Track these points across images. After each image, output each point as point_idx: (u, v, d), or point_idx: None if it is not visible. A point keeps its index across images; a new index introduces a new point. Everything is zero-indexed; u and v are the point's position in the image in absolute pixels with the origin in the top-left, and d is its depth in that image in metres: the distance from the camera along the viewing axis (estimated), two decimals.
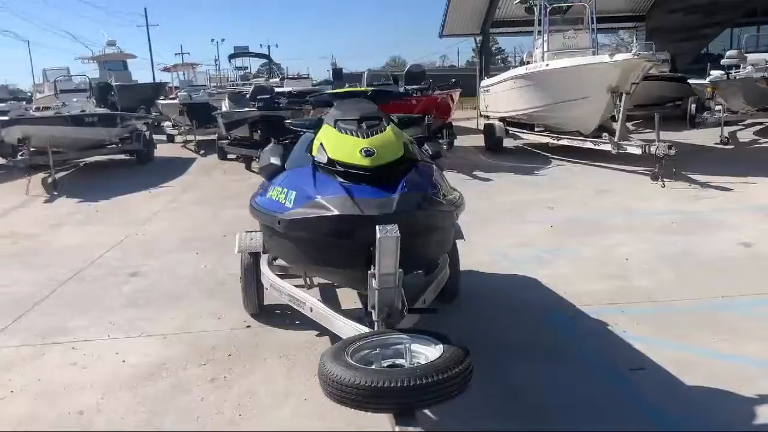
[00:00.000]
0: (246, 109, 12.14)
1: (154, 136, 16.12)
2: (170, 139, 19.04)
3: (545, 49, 12.36)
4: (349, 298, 4.42)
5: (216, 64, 35.76)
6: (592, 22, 12.50)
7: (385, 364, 2.19)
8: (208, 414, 3.03)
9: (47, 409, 3.14)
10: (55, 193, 10.22)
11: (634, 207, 7.54)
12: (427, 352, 2.21)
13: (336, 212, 2.48)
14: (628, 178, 9.65)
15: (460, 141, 15.32)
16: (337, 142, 2.83)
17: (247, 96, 13.18)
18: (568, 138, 11.68)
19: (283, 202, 2.81)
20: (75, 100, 12.73)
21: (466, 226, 6.70)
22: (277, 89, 19.20)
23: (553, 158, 12.08)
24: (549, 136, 12.48)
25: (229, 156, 13.65)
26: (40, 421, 3.02)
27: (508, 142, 13.88)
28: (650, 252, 5.57)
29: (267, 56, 32.28)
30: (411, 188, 2.57)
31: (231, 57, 28.90)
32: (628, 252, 5.60)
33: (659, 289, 4.62)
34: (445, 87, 13.21)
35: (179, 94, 18.38)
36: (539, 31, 12.97)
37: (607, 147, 10.28)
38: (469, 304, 4.45)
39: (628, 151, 9.97)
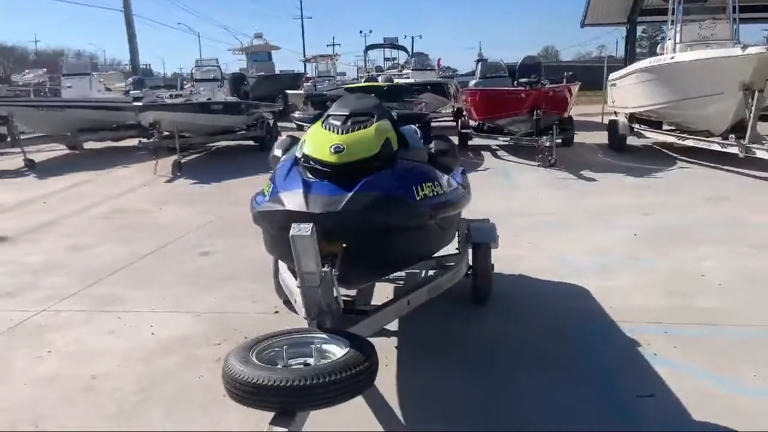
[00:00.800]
0: None
1: (286, 125, 17.04)
2: (299, 127, 20.03)
3: (677, 40, 11.41)
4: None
5: (364, 56, 36.86)
6: (734, 11, 11.30)
7: (294, 363, 2.20)
8: (198, 392, 3.22)
9: (69, 370, 3.51)
10: (179, 174, 11.17)
11: (745, 219, 6.78)
12: (337, 354, 2.19)
13: (285, 208, 2.53)
14: (753, 185, 8.68)
15: (584, 138, 14.64)
16: (315, 138, 2.86)
17: None
18: (693, 138, 10.72)
19: (264, 194, 2.91)
20: (202, 89, 13.77)
21: (540, 229, 6.54)
22: (398, 80, 19.47)
23: (680, 159, 11.17)
24: (673, 135, 11.53)
25: None
26: (57, 381, 3.39)
27: (634, 141, 13.00)
28: (734, 270, 5.00)
29: (403, 48, 32.64)
30: (369, 187, 2.53)
31: (367, 49, 29.61)
32: (709, 267, 5.07)
33: (722, 311, 4.15)
34: (562, 80, 12.64)
35: (305, 85, 19.21)
36: (672, 21, 11.97)
37: (735, 150, 9.32)
38: (503, 307, 4.30)
39: (757, 156, 8.98)
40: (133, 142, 14.21)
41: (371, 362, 2.11)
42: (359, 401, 3.03)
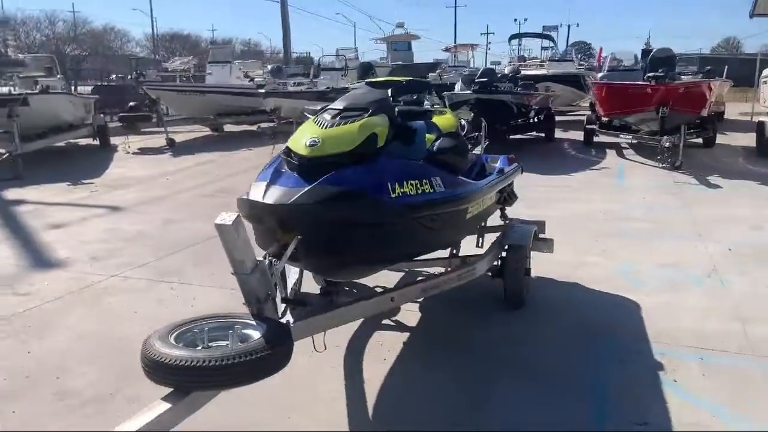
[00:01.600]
0: (466, 91, 12.31)
1: None
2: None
3: None
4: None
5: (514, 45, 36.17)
6: None
7: (214, 345, 2.29)
8: None
9: (105, 331, 3.93)
10: None
11: None
12: (253, 338, 2.26)
13: (247, 197, 2.65)
14: None
15: (733, 139, 13.42)
16: (301, 131, 2.94)
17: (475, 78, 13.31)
18: None
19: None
20: (321, 77, 14.36)
21: (625, 237, 6.13)
22: (532, 72, 18.90)
23: None
24: None
25: None
26: (90, 338, 3.81)
27: None
28: None
29: (549, 36, 31.58)
30: (331, 182, 2.57)
31: (511, 38, 29.05)
32: None
33: None
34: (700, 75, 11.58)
35: (430, 75, 19.23)
36: None
37: None
38: (535, 315, 4.14)
39: None
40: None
41: (273, 351, 2.16)
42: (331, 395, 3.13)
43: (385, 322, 4.04)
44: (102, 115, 14.02)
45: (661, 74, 10.46)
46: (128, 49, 59.56)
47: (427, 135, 3.55)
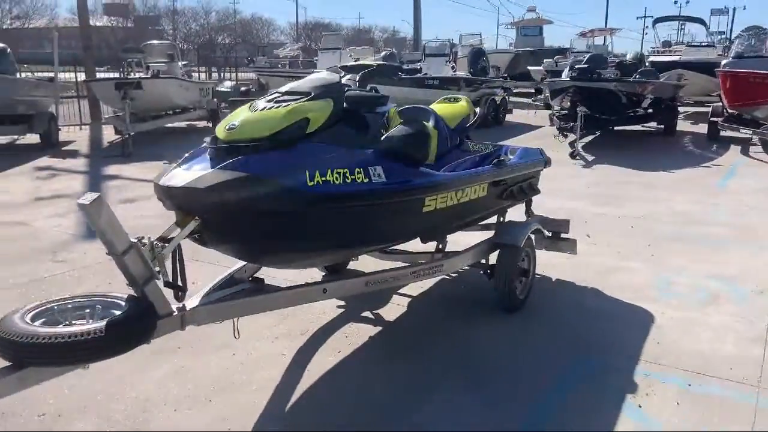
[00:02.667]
0: (565, 78, 11.68)
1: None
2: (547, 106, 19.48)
3: None
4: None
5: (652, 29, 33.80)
6: None
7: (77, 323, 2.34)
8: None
9: None
10: None
11: None
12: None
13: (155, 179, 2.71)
14: None
15: None
16: (231, 115, 2.94)
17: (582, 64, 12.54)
18: None
19: None
20: (424, 63, 14.25)
21: (688, 243, 5.58)
22: (663, 59, 17.52)
23: None
24: None
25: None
26: None
27: None
28: None
29: (700, 20, 29.08)
30: (234, 166, 2.54)
31: (656, 22, 27.10)
32: None
33: None
34: None
35: (545, 61, 18.45)
36: None
37: None
38: (526, 321, 3.88)
39: None
40: None
41: (107, 333, 2.18)
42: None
43: (366, 314, 3.98)
44: (215, 99, 14.93)
45: None
46: (274, 37, 62.93)
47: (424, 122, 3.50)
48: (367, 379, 3.20)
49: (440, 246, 4.02)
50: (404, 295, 4.29)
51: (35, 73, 16.74)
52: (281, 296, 3.03)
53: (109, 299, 2.44)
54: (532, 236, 4.19)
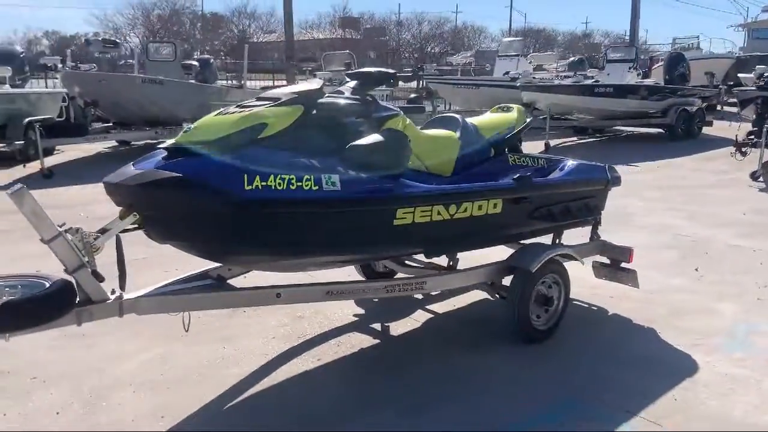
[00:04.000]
0: (751, 87, 10.13)
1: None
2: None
3: None
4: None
5: None
6: None
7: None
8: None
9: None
10: (546, 152, 11.44)
11: None
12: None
13: None
14: None
15: None
16: (201, 119, 3.08)
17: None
18: None
19: None
20: (606, 71, 13.34)
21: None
22: None
23: None
24: None
25: None
26: None
27: None
28: None
29: None
30: (166, 167, 2.65)
31: None
32: None
33: None
34: None
35: (757, 67, 16.08)
36: None
37: None
38: (548, 354, 3.53)
39: None
40: None
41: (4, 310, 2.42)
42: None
43: (374, 325, 3.92)
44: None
45: None
46: (485, 45, 63.11)
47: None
48: (320, 391, 3.17)
49: (451, 263, 3.81)
50: (429, 311, 4.15)
51: (230, 81, 18.82)
52: (233, 296, 3.13)
53: (36, 280, 2.71)
54: (561, 261, 3.78)
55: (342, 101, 3.21)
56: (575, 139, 14.40)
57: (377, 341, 3.73)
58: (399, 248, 3.43)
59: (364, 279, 3.49)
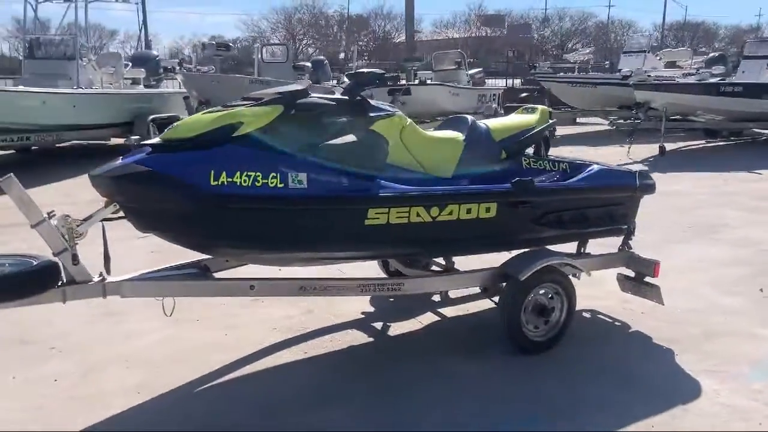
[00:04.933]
0: None
1: None
2: None
3: None
4: None
5: None
6: None
7: None
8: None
9: None
10: (661, 156, 10.71)
11: None
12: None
13: None
14: None
15: None
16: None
17: None
18: None
19: None
20: (741, 69, 12.23)
21: None
22: None
23: None
24: None
25: None
26: None
27: None
28: None
29: None
30: (139, 161, 2.83)
31: None
32: None
33: None
34: None
35: None
36: None
37: None
38: (536, 368, 3.39)
39: None
40: None
41: None
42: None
43: (376, 324, 3.96)
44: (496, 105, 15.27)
45: None
46: (634, 40, 59.53)
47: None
48: (289, 383, 3.28)
49: (447, 265, 3.75)
50: (438, 314, 4.11)
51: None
52: (207, 285, 3.29)
53: (24, 259, 3.02)
54: (565, 271, 3.59)
55: (322, 102, 3.27)
56: (702, 142, 13.31)
57: (371, 340, 3.77)
58: (376, 248, 3.44)
59: (337, 277, 3.55)
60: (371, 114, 3.37)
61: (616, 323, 3.98)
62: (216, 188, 2.88)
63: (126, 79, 12.47)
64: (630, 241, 4.05)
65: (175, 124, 3.17)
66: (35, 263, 2.95)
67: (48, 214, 2.93)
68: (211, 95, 11.58)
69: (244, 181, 2.92)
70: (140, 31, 29.76)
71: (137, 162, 2.95)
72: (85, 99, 10.73)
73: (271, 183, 2.95)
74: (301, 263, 3.60)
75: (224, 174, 2.89)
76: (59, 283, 2.97)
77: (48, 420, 2.92)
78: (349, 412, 2.97)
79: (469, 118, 3.93)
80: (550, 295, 3.55)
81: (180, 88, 12.94)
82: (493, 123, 3.95)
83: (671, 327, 3.86)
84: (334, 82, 14.66)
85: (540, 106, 4.14)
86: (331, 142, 3.14)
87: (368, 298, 4.23)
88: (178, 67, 12.63)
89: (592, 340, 3.74)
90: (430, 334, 3.89)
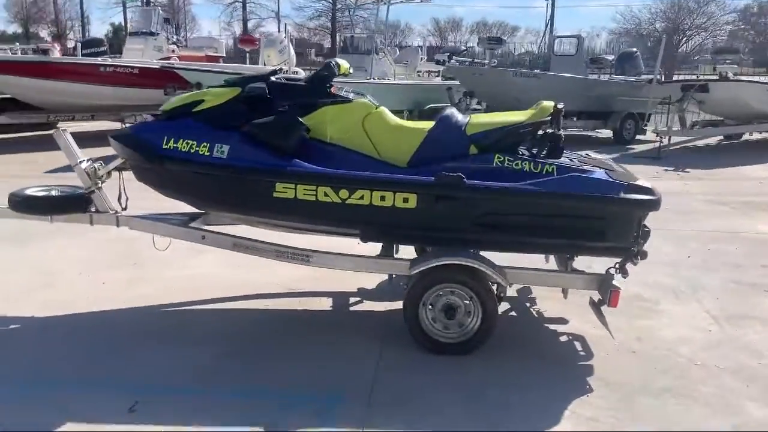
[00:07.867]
0: None
1: None
2: None
3: None
4: None
5: None
6: None
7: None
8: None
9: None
10: None
11: None
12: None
13: None
14: None
15: None
16: None
17: None
18: None
19: None
20: None
21: None
22: None
23: None
24: None
25: None
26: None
27: None
28: None
29: None
30: (131, 127, 3.77)
31: None
32: None
33: None
34: None
35: None
36: None
37: None
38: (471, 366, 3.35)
39: None
40: None
41: (43, 201, 3.94)
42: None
43: (354, 299, 4.25)
44: None
45: None
46: None
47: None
48: (228, 330, 3.86)
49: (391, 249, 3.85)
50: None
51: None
52: (173, 230, 4.01)
53: (69, 189, 4.22)
54: (484, 274, 3.38)
55: (266, 87, 3.73)
56: None
57: (331, 310, 4.11)
58: (288, 219, 3.74)
59: (271, 241, 3.91)
60: (320, 100, 3.72)
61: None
62: (165, 151, 3.65)
63: (421, 72, 13.86)
64: (627, 266, 3.48)
65: (171, 98, 4.04)
66: (77, 192, 4.15)
67: (79, 161, 4.10)
68: (475, 86, 12.18)
69: (184, 147, 3.63)
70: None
71: (131, 127, 3.93)
72: (370, 89, 12.48)
73: (201, 151, 3.60)
74: (247, 224, 4.13)
75: (172, 140, 3.65)
76: (91, 210, 4.12)
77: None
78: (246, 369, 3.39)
79: (451, 109, 3.88)
80: (467, 298, 3.41)
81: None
82: (477, 117, 3.83)
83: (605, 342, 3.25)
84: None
85: (546, 102, 3.76)
86: (259, 121, 3.62)
87: (374, 275, 4.37)
88: (447, 60, 13.50)
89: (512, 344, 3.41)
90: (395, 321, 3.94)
